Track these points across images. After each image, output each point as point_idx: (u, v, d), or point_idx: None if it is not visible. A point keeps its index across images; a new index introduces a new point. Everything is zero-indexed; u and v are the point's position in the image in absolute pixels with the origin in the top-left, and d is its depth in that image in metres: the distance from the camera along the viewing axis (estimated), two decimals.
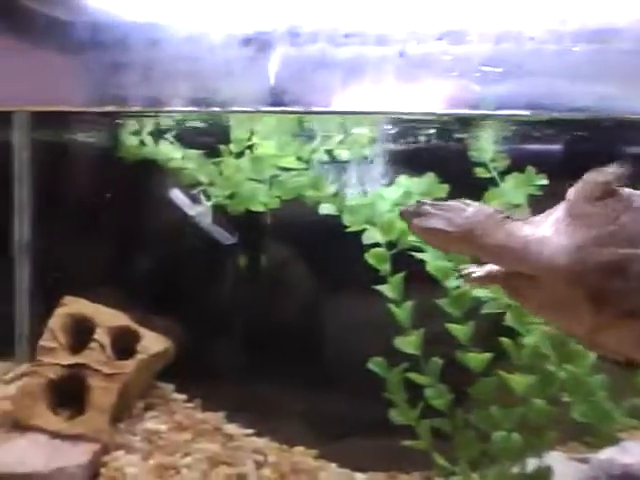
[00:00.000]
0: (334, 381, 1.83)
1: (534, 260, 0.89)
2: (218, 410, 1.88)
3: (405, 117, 1.22)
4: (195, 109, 1.15)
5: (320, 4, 1.08)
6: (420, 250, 1.45)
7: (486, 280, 1.03)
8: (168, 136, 1.73)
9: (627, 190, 0.87)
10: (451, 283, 1.40)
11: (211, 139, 1.74)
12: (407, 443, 1.54)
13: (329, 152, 1.52)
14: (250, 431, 1.82)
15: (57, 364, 1.69)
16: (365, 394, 1.75)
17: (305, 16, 1.07)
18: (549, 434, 1.35)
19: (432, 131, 1.45)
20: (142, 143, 1.72)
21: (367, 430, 1.80)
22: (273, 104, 1.10)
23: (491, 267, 1.02)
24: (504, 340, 1.33)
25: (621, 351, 0.92)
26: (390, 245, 1.48)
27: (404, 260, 1.48)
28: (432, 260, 1.42)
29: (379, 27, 1.04)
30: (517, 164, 1.43)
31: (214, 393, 1.90)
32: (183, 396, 1.90)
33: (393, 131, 1.46)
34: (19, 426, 1.62)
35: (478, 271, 1.04)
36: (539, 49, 1.01)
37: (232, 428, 1.82)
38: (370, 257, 1.45)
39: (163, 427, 1.74)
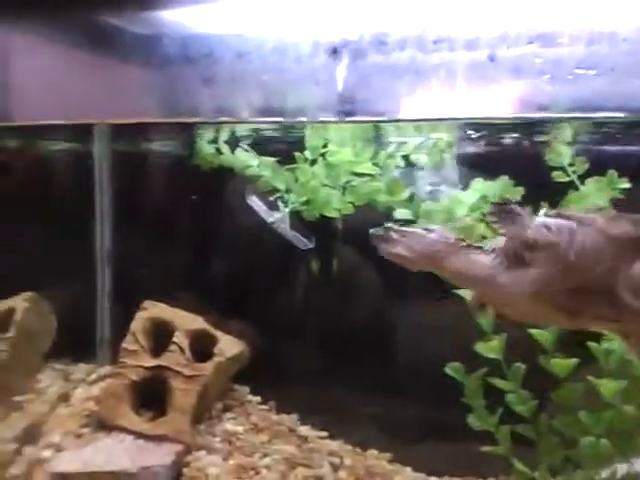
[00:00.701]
0: (407, 385, 1.83)
1: (499, 287, 0.98)
2: (292, 412, 1.90)
3: (486, 121, 1.22)
4: (281, 120, 1.18)
5: (407, 11, 1.09)
6: None
7: None
8: (243, 144, 1.76)
9: (563, 223, 0.93)
10: None
11: (285, 147, 1.77)
12: (486, 449, 1.53)
13: (405, 157, 1.53)
14: (324, 433, 1.84)
15: (139, 366, 1.74)
16: (439, 398, 1.75)
17: (392, 23, 1.08)
18: (638, 439, 1.32)
19: (511, 134, 1.44)
20: (218, 151, 1.76)
21: (441, 434, 1.79)
22: (361, 113, 1.11)
23: None
24: (592, 345, 1.31)
25: None
26: None
27: None
28: None
29: (468, 32, 1.04)
30: (598, 167, 1.41)
31: (287, 395, 1.92)
32: (258, 398, 1.93)
33: (470, 135, 1.46)
34: (104, 426, 1.68)
35: None
36: (633, 50, 0.99)
37: (306, 430, 1.84)
38: None
39: (240, 428, 1.78)
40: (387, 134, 1.51)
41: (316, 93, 1.14)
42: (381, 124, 1.35)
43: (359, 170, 1.52)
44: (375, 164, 1.53)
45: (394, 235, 1.11)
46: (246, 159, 1.68)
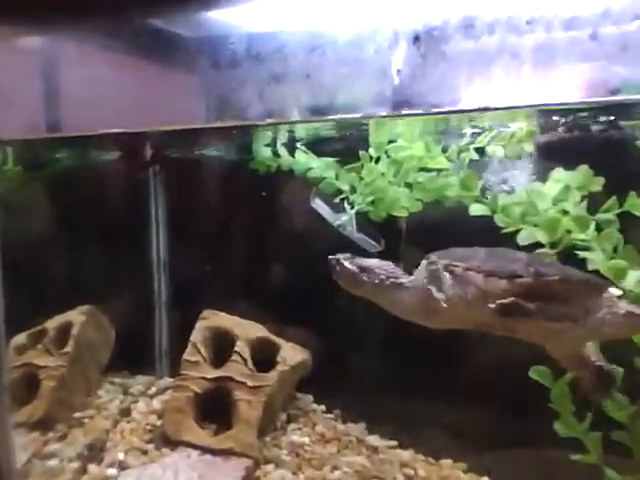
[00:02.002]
0: (481, 390, 1.73)
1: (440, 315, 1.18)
2: (358, 421, 1.83)
3: (587, 105, 1.12)
4: (359, 116, 1.09)
5: None
6: (586, 249, 1.35)
7: None
8: (300, 145, 1.69)
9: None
10: (627, 283, 1.29)
11: (343, 146, 1.70)
12: (576, 457, 1.43)
13: (479, 150, 1.44)
14: (393, 442, 1.76)
15: (202, 378, 1.68)
16: (515, 403, 1.67)
17: (479, 5, 1.00)
18: None
19: (602, 118, 1.34)
20: (275, 154, 1.69)
21: (518, 441, 1.70)
22: (450, 103, 1.03)
23: None
24: None
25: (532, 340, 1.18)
26: (552, 245, 1.38)
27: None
28: (604, 259, 1.31)
29: (566, 10, 0.95)
30: None
31: (353, 403, 1.85)
32: (322, 407, 1.86)
33: (557, 121, 1.36)
34: (169, 441, 1.63)
35: None
36: None
37: (375, 440, 1.77)
38: None
39: (307, 439, 1.71)
40: (462, 125, 1.42)
41: (396, 85, 1.06)
42: (462, 114, 1.26)
43: (432, 165, 1.44)
44: (447, 158, 1.44)
45: (337, 267, 1.26)
46: (307, 161, 1.60)
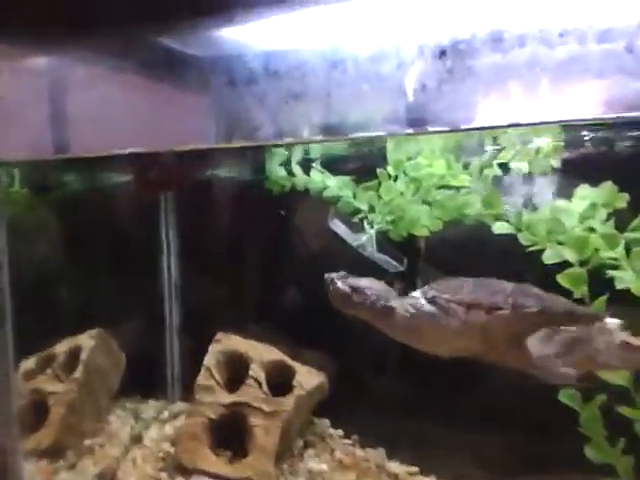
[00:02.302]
0: (505, 413, 1.68)
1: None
2: (377, 446, 1.77)
3: (623, 120, 1.08)
4: (383, 134, 1.05)
5: (524, 3, 0.97)
6: (615, 267, 1.30)
7: None
8: (316, 165, 1.65)
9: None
10: None
11: (358, 165, 1.66)
12: None
13: (502, 166, 1.40)
14: (415, 469, 1.70)
15: (217, 403, 1.63)
16: (542, 427, 1.61)
17: (508, 18, 0.96)
18: None
19: (628, 134, 1.30)
20: (290, 173, 1.65)
21: (545, 468, 1.64)
22: (476, 120, 0.99)
23: None
24: None
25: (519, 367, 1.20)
26: (581, 264, 1.33)
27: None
28: (634, 278, 1.27)
29: (600, 21, 0.91)
30: None
31: (371, 427, 1.79)
32: (340, 432, 1.80)
33: (584, 137, 1.32)
34: (183, 470, 1.57)
35: None
36: None
37: (395, 466, 1.71)
38: (564, 278, 1.30)
39: (325, 466, 1.65)
40: (483, 141, 1.38)
41: (420, 101, 1.02)
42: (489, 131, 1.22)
43: (454, 183, 1.40)
44: (469, 175, 1.40)
45: (331, 287, 1.28)
46: (322, 179, 1.56)
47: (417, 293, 1.26)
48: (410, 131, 1.03)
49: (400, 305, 1.25)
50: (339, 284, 1.28)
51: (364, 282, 1.29)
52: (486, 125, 1.02)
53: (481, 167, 1.39)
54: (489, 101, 0.99)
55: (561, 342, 1.19)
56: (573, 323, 1.16)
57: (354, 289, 1.28)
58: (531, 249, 1.38)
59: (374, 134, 1.03)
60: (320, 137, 1.09)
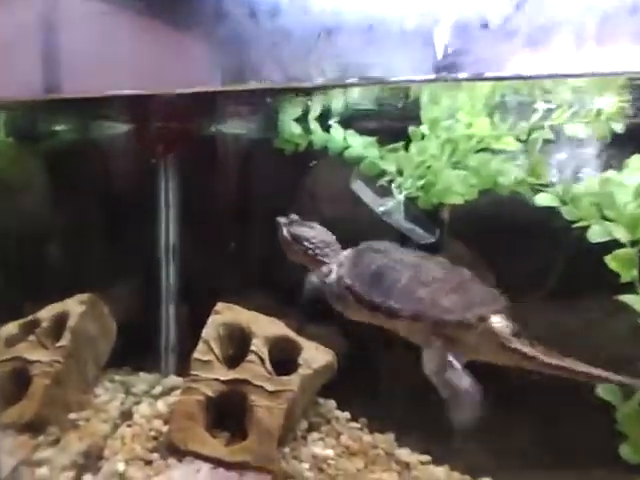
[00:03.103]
0: (523, 398, 1.55)
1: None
2: (386, 431, 1.64)
3: None
4: (420, 79, 0.89)
5: None
6: None
7: None
8: (334, 121, 1.49)
9: None
10: None
11: (384, 123, 1.49)
12: None
13: (553, 129, 1.23)
14: (426, 457, 1.58)
15: (215, 379, 1.49)
16: (563, 416, 1.49)
17: None
18: None
19: None
20: (307, 131, 1.48)
21: (563, 458, 1.52)
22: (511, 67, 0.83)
23: None
24: None
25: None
26: (633, 244, 1.18)
27: None
28: None
29: None
30: None
31: (381, 411, 1.66)
32: (347, 414, 1.67)
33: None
34: (176, 451, 1.44)
35: None
36: None
37: (406, 454, 1.58)
38: (613, 260, 1.15)
39: (331, 452, 1.53)
40: (534, 99, 1.21)
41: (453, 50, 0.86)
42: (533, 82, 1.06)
43: (497, 146, 1.24)
44: (516, 138, 1.24)
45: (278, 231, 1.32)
46: (345, 138, 1.39)
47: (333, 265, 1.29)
48: (447, 77, 0.87)
49: (327, 268, 1.29)
50: (283, 230, 1.33)
51: (308, 232, 1.32)
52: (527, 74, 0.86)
53: (531, 129, 1.22)
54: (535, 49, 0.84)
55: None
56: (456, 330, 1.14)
57: (294, 237, 1.32)
58: (577, 225, 1.23)
59: (403, 79, 0.87)
60: (350, 80, 0.92)
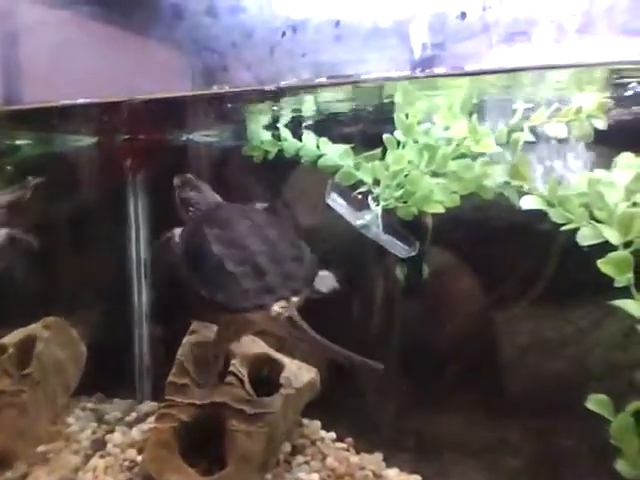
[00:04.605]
0: (520, 414, 1.48)
1: None
2: (373, 450, 1.57)
3: None
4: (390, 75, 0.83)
5: None
6: None
7: None
8: (306, 128, 1.42)
9: None
10: None
11: (357, 129, 1.43)
12: None
13: (533, 130, 1.18)
14: (416, 477, 1.50)
15: (191, 404, 1.41)
16: (565, 429, 1.42)
17: None
18: None
19: None
20: (277, 138, 1.42)
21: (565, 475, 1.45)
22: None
23: None
24: None
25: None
26: (625, 245, 1.12)
27: None
28: None
29: None
30: None
31: (367, 429, 1.59)
32: (332, 434, 1.60)
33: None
34: None
35: None
36: None
37: (394, 474, 1.51)
38: (605, 264, 1.09)
39: (316, 476, 1.45)
40: (512, 95, 1.16)
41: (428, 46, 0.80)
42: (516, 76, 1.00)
43: (478, 149, 1.17)
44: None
45: None
46: (318, 146, 1.33)
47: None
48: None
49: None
50: (177, 192, 1.42)
51: (195, 196, 1.40)
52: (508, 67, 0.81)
53: (510, 130, 1.17)
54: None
55: None
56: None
57: (182, 200, 1.41)
58: (565, 228, 1.17)
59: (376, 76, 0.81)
60: (321, 80, 0.86)
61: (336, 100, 1.29)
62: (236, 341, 1.42)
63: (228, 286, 1.22)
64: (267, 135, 1.45)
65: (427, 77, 0.83)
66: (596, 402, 1.20)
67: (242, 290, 1.21)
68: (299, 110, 1.33)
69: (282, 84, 0.88)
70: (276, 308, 1.18)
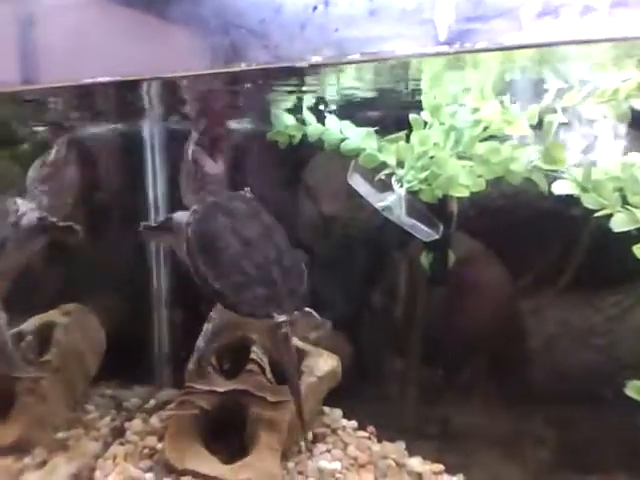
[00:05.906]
0: (543, 397, 1.45)
1: None
2: (396, 439, 1.54)
3: None
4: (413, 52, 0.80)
5: None
6: None
7: None
8: (329, 111, 1.39)
9: None
10: None
11: (382, 112, 1.40)
12: None
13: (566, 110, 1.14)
14: (439, 466, 1.48)
15: (211, 391, 1.39)
16: (593, 419, 1.40)
17: None
18: None
19: None
20: (301, 122, 1.39)
21: (591, 467, 1.42)
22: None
23: None
24: None
25: None
26: None
27: None
28: None
29: None
30: None
31: (389, 418, 1.57)
32: (353, 423, 1.57)
33: None
34: (172, 470, 1.33)
35: None
36: None
37: (417, 464, 1.48)
38: None
39: (338, 465, 1.42)
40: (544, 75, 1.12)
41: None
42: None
43: (510, 131, 1.14)
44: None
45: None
46: (341, 129, 1.29)
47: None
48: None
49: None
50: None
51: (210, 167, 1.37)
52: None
53: (542, 111, 1.13)
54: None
55: None
56: None
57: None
58: (599, 214, 1.13)
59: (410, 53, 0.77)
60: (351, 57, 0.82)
61: (359, 80, 1.26)
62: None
63: (241, 287, 1.22)
64: (291, 119, 1.42)
65: (464, 52, 0.80)
66: (636, 389, 1.18)
67: (255, 296, 1.21)
68: (322, 93, 1.30)
69: (313, 60, 0.84)
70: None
